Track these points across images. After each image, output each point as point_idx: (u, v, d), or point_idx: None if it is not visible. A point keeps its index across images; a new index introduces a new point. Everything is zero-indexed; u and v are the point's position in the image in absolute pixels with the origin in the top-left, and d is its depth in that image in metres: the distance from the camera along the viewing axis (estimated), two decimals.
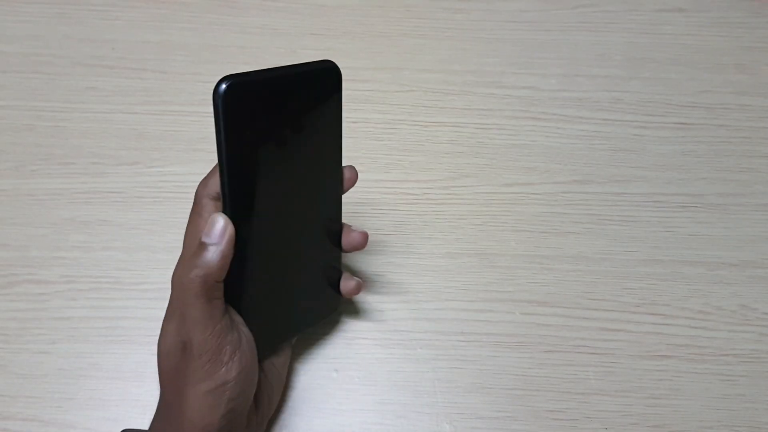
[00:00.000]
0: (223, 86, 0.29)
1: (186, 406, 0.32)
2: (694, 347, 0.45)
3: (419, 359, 0.44)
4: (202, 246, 0.31)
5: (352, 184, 0.38)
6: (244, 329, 0.34)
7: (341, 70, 0.34)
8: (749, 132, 0.54)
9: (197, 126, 0.52)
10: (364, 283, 0.42)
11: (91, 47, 0.55)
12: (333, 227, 0.38)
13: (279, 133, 0.33)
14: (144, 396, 0.42)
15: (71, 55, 0.55)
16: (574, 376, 0.44)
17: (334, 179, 0.37)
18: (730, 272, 0.48)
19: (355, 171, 0.38)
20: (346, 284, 0.40)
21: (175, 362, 0.32)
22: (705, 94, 0.55)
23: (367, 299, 0.45)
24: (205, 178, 0.34)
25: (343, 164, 0.37)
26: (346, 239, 0.38)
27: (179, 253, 0.48)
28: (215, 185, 0.33)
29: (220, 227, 0.31)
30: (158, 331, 0.44)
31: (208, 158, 0.50)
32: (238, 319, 0.34)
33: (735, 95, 0.55)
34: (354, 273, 0.47)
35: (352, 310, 0.45)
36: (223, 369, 0.32)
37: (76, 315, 0.44)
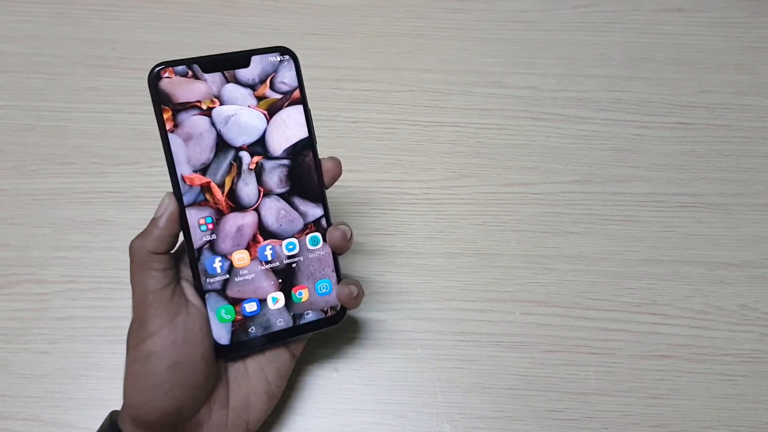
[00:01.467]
0: (154, 69, 0.32)
1: (125, 377, 0.33)
2: (694, 347, 0.45)
3: (419, 359, 0.44)
4: (151, 221, 0.33)
5: (336, 177, 0.36)
6: (192, 309, 0.33)
7: (299, 58, 0.35)
8: (749, 132, 0.54)
9: None
10: (361, 291, 0.37)
11: (91, 47, 0.55)
12: (318, 224, 0.36)
13: (230, 111, 0.34)
14: None
15: (71, 55, 0.55)
16: (574, 376, 0.44)
17: (310, 172, 0.36)
18: (730, 272, 0.48)
19: (338, 162, 0.36)
20: (341, 290, 0.36)
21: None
22: (705, 94, 0.55)
23: (367, 299, 0.45)
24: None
25: (324, 156, 0.36)
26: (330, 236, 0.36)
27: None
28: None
29: (163, 203, 0.33)
30: None
31: None
32: (193, 300, 0.34)
33: (735, 95, 0.55)
34: (353, 273, 0.47)
35: (353, 310, 0.45)
36: (149, 340, 0.31)
37: (76, 315, 0.44)
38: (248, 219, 0.35)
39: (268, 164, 0.35)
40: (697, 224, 0.50)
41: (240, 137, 0.34)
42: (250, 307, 0.35)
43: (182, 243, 0.35)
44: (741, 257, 0.48)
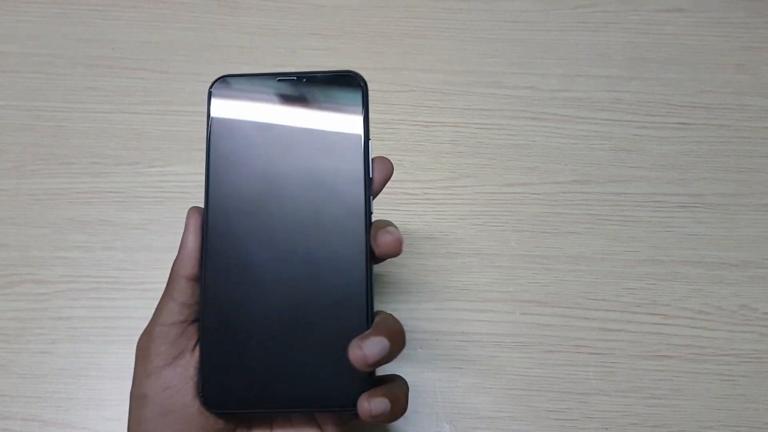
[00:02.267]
0: (216, 80, 0.30)
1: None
2: (694, 347, 0.45)
3: (419, 359, 0.44)
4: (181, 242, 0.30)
5: (385, 179, 0.31)
6: (197, 355, 0.30)
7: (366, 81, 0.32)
8: (749, 132, 0.54)
9: (197, 126, 0.52)
10: (396, 399, 0.29)
11: (91, 47, 0.55)
12: (353, 272, 0.29)
13: (277, 138, 0.31)
14: None
15: (71, 55, 0.55)
16: (574, 376, 0.44)
17: (356, 212, 0.30)
18: (730, 272, 0.48)
19: (390, 163, 0.31)
20: (364, 402, 0.27)
21: None
22: (705, 94, 0.55)
23: None
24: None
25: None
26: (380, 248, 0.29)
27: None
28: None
29: (187, 221, 0.30)
30: None
31: None
32: (191, 356, 0.30)
33: (735, 95, 0.55)
34: None
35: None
36: (146, 380, 0.29)
37: (76, 315, 0.44)
38: None
39: None
40: (697, 224, 0.50)
41: None
42: (254, 364, 0.30)
43: None
44: (741, 257, 0.48)
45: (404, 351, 0.43)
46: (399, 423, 0.42)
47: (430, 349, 0.44)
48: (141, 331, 0.43)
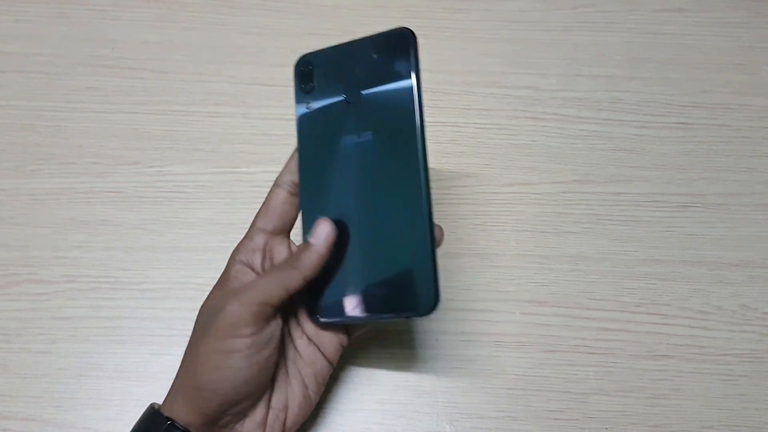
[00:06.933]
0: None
1: (196, 359, 0.34)
2: (695, 347, 0.45)
3: (419, 359, 0.44)
4: (306, 247, 0.35)
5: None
6: (278, 320, 0.35)
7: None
8: (749, 132, 0.54)
9: (197, 126, 0.52)
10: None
11: (91, 47, 0.55)
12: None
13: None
14: (144, 396, 0.42)
15: (71, 55, 0.55)
16: (574, 376, 0.44)
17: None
18: (730, 272, 0.48)
19: (441, 231, 0.38)
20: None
21: (204, 321, 0.35)
22: (705, 94, 0.55)
23: None
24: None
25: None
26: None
27: (179, 253, 0.48)
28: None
29: (320, 231, 0.35)
30: (158, 331, 0.45)
31: (209, 158, 0.50)
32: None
33: (735, 95, 0.55)
34: None
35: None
36: (239, 339, 0.33)
37: (76, 315, 0.45)
38: None
39: None
40: (697, 224, 0.50)
41: None
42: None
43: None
44: (741, 257, 0.48)
45: (404, 351, 0.44)
46: (399, 422, 0.42)
47: (430, 349, 0.44)
48: (141, 331, 0.44)
